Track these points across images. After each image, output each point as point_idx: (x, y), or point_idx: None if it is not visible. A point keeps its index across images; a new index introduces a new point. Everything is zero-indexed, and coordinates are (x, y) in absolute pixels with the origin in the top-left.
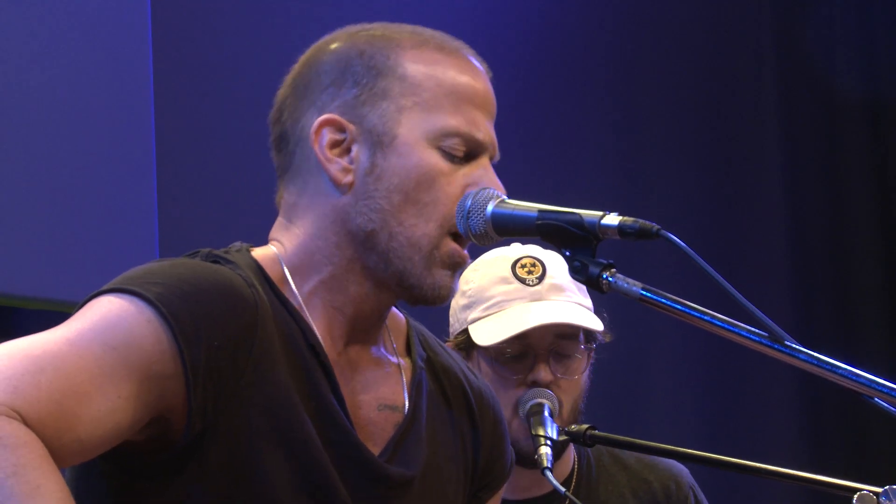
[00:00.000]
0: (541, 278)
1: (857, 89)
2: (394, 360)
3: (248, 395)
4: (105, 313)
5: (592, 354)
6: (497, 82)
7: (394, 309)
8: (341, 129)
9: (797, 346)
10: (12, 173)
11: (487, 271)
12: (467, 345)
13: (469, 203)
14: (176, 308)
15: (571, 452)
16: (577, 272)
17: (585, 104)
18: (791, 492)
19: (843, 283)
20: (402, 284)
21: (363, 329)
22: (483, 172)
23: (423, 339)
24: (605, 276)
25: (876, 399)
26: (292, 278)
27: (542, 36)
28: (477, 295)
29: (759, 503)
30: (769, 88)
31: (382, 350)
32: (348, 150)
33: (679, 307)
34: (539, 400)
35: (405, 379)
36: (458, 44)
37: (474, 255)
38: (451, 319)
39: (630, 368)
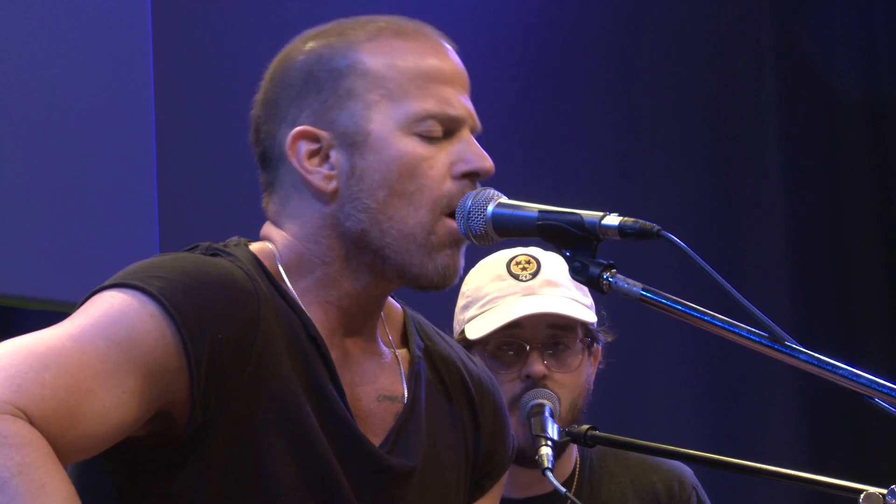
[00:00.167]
0: (535, 274)
1: (857, 89)
2: (391, 350)
3: (251, 388)
4: (108, 309)
5: (597, 354)
6: (497, 82)
7: (390, 299)
8: (315, 139)
9: (797, 347)
10: (13, 173)
11: (484, 271)
12: (466, 345)
13: (469, 204)
14: (179, 302)
15: (574, 452)
16: (577, 272)
17: (585, 104)
18: (791, 492)
19: (844, 283)
20: (406, 276)
21: (360, 321)
22: (465, 146)
23: (421, 327)
24: (605, 277)
25: (876, 399)
26: (286, 275)
27: (542, 36)
28: (473, 294)
29: (759, 503)
30: (769, 88)
31: (380, 341)
32: (327, 158)
33: (679, 307)
34: (540, 400)
35: (403, 369)
36: (414, 24)
37: (475, 256)
38: (454, 322)
39: (630, 369)
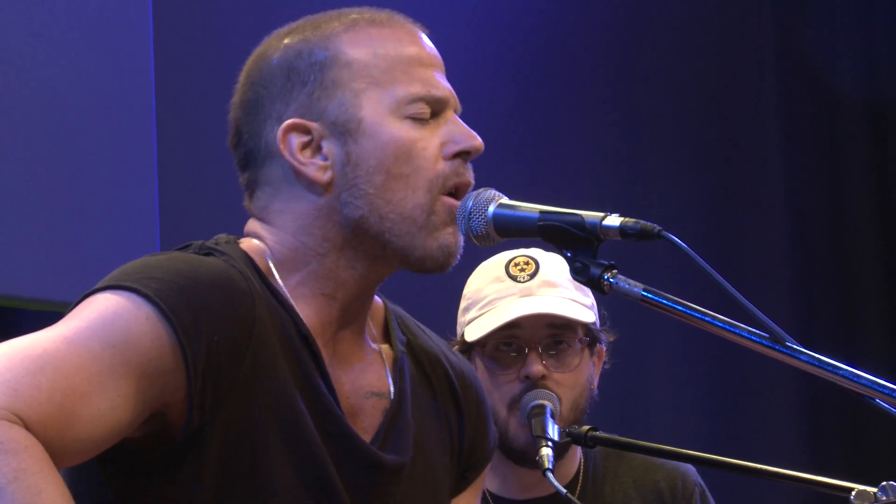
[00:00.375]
0: (533, 275)
1: (858, 89)
2: (374, 346)
3: (248, 388)
4: (102, 311)
5: (601, 354)
6: (498, 83)
7: None
8: (306, 131)
9: (798, 347)
10: (13, 174)
11: (484, 273)
12: (466, 347)
13: (470, 204)
14: (175, 303)
15: (578, 452)
16: (578, 273)
17: (586, 104)
18: (792, 492)
19: (844, 283)
20: (409, 260)
21: (354, 312)
22: (454, 127)
23: (402, 321)
24: (606, 277)
25: (877, 400)
26: (277, 271)
27: (543, 36)
28: (473, 296)
29: (760, 503)
30: (770, 88)
31: (366, 337)
32: (319, 149)
33: (680, 308)
34: (540, 401)
35: (387, 364)
36: (386, 13)
37: (476, 258)
38: (457, 325)
39: (631, 369)
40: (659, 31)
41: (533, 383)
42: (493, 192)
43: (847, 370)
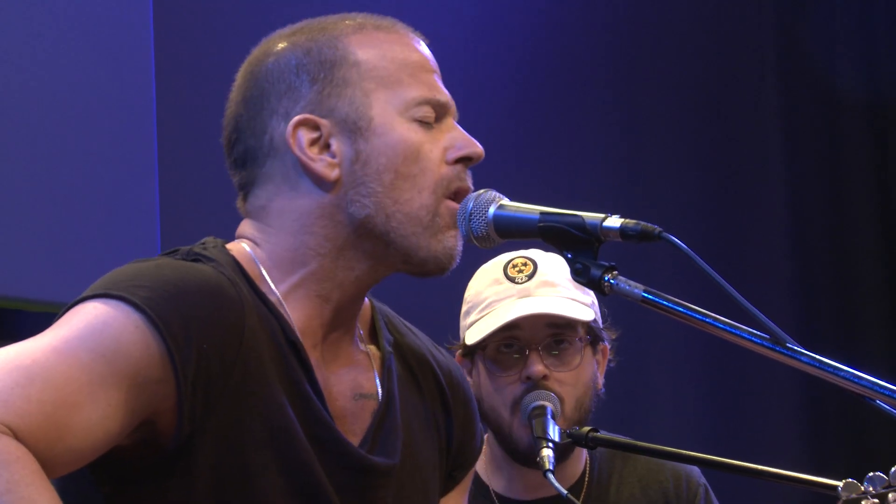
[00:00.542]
0: (531, 276)
1: (858, 89)
2: (362, 347)
3: (237, 395)
4: (91, 320)
5: (605, 352)
6: (499, 84)
7: None
8: (315, 127)
9: (799, 349)
10: (14, 174)
11: (483, 276)
12: (468, 350)
13: (471, 206)
14: (164, 312)
15: (584, 453)
16: (578, 274)
17: (587, 105)
18: (792, 492)
19: (845, 284)
20: (411, 260)
21: (347, 313)
22: (456, 133)
23: (389, 320)
24: (606, 279)
25: (877, 401)
26: (270, 274)
27: (543, 37)
28: (473, 300)
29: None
30: (770, 89)
31: (355, 338)
32: (327, 146)
33: (680, 309)
34: (541, 402)
35: (375, 365)
36: (389, 19)
37: (477, 260)
38: (460, 330)
39: (631, 370)
40: (659, 32)
41: (534, 384)
42: (493, 193)
43: (847, 371)
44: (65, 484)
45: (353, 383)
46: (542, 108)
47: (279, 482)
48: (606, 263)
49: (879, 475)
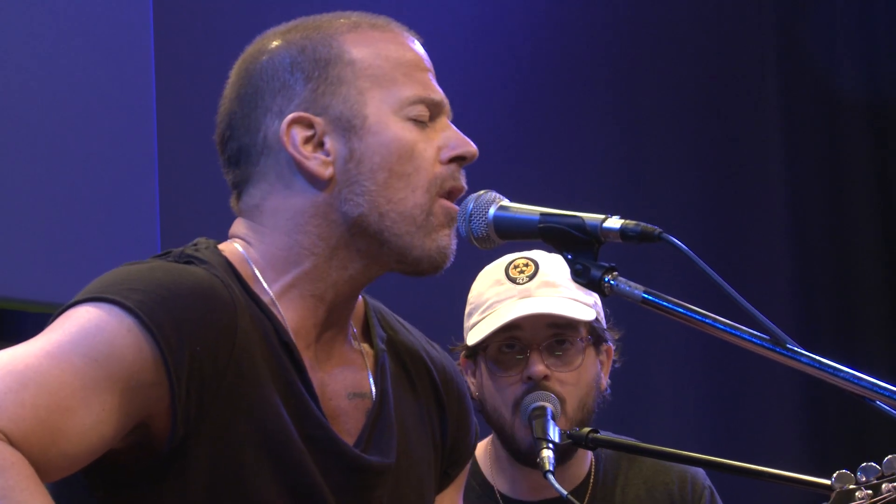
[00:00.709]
0: (532, 276)
1: (858, 90)
2: (355, 345)
3: (231, 397)
4: (84, 324)
5: (609, 353)
6: (499, 84)
7: None
8: (309, 125)
9: (799, 350)
10: (14, 174)
11: (485, 277)
12: (470, 351)
13: (471, 207)
14: (157, 315)
15: (588, 454)
16: (579, 275)
17: (587, 106)
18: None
19: (845, 284)
20: (405, 259)
21: (339, 314)
22: (450, 133)
23: (382, 317)
24: (606, 279)
25: (877, 402)
26: (263, 275)
27: (543, 37)
28: (475, 301)
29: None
30: (770, 89)
31: (348, 336)
32: (321, 144)
33: (681, 310)
34: (541, 403)
35: (368, 364)
36: (383, 18)
37: (479, 262)
38: (464, 332)
39: (631, 370)
40: (659, 32)
41: (535, 384)
42: (493, 194)
43: (847, 372)
44: (59, 489)
45: (347, 382)
46: (541, 108)
47: (274, 483)
48: (606, 264)
49: (872, 465)
